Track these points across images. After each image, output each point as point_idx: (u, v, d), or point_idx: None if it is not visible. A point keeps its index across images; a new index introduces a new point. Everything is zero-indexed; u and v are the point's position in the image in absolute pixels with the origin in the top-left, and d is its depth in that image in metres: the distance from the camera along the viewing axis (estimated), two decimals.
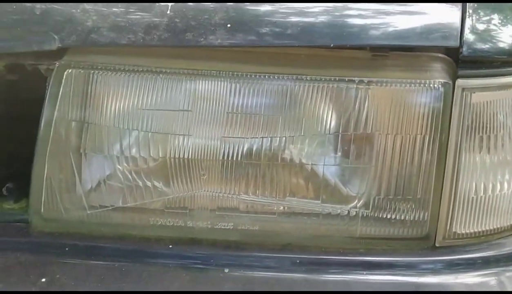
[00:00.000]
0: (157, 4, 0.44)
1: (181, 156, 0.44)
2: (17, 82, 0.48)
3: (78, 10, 0.44)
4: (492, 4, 0.52)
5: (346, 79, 0.44)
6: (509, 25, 0.49)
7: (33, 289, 0.40)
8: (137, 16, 0.44)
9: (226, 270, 0.44)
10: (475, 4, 0.50)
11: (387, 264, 0.44)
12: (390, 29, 0.43)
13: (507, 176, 0.48)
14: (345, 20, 0.43)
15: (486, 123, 0.46)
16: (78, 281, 0.44)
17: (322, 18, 0.43)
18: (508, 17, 0.49)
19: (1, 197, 0.49)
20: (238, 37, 0.43)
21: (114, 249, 0.45)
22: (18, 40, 0.44)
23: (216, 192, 0.45)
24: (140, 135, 0.45)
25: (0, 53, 0.46)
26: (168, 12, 0.44)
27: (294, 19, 0.42)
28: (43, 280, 0.42)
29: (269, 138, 0.44)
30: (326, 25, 0.43)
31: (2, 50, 0.45)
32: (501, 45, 0.48)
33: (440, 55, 0.46)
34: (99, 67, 0.45)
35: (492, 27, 0.49)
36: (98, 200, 0.46)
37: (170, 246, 0.45)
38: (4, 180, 0.49)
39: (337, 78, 0.43)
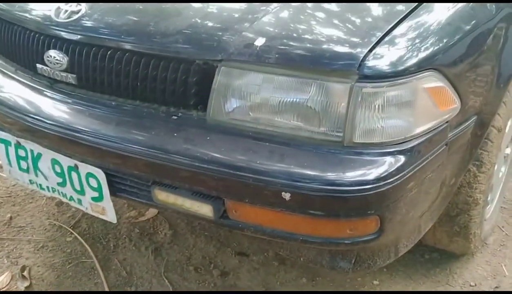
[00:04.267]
0: None
1: None
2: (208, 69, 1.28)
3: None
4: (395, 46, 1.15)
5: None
6: (393, 61, 1.09)
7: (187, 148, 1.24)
8: None
9: None
10: (383, 46, 1.13)
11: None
12: (324, 54, 1.13)
13: (384, 123, 1.12)
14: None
15: (372, 100, 1.09)
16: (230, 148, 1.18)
17: None
18: (393, 55, 1.13)
19: (199, 111, 1.29)
20: None
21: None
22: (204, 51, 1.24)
23: None
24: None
25: (193, 58, 1.23)
26: None
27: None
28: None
29: None
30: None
31: (193, 57, 1.23)
32: (382, 69, 1.07)
33: (356, 71, 1.11)
34: (230, 66, 1.19)
35: (380, 59, 1.08)
36: (231, 113, 1.21)
37: None
38: (199, 103, 1.30)
39: None
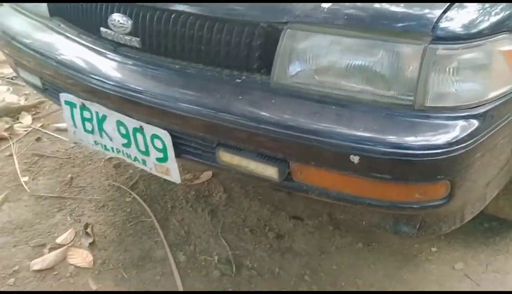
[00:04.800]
0: None
1: None
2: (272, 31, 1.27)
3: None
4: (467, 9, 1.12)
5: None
6: (466, 23, 1.08)
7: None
8: None
9: None
10: (455, 9, 1.11)
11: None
12: (396, 15, 1.10)
13: (458, 87, 1.10)
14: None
15: (446, 63, 1.07)
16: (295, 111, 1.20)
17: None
18: (467, 18, 1.09)
19: (262, 75, 1.29)
20: None
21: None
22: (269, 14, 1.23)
23: None
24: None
25: (257, 21, 1.23)
26: None
27: None
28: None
29: None
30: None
31: (258, 20, 1.24)
32: (456, 31, 1.06)
33: (430, 32, 1.10)
34: (296, 28, 1.20)
35: (454, 21, 1.07)
36: (295, 76, 1.22)
37: None
38: (263, 67, 1.30)
39: None
